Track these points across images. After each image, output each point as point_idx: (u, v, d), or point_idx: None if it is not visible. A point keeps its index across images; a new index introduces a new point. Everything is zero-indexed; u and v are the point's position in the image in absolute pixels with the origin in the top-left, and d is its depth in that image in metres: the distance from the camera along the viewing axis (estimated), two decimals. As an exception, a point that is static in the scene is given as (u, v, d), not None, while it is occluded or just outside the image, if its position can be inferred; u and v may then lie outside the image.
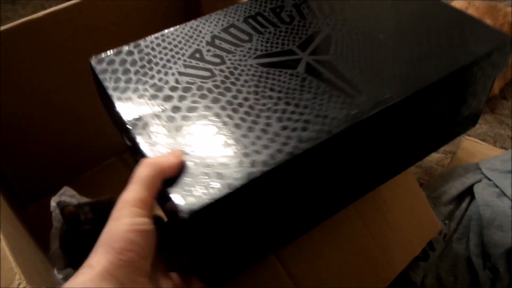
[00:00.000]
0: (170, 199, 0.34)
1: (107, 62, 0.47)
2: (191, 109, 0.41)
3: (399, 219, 0.61)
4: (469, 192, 0.80)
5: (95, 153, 0.87)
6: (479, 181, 0.81)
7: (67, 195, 0.66)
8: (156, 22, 0.81)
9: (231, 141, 0.38)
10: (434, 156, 1.09)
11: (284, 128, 0.39)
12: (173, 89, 0.43)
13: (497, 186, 0.77)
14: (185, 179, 0.35)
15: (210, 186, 0.34)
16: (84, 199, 0.67)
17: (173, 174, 0.35)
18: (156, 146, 0.38)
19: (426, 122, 0.48)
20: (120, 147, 0.87)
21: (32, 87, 0.73)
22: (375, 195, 0.59)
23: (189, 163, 0.36)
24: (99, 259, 0.31)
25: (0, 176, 0.75)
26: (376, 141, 0.44)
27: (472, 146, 0.96)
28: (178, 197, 0.34)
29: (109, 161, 0.89)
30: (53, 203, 0.64)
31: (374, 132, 0.42)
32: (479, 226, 0.74)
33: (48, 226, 0.62)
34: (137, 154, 0.39)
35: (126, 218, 0.33)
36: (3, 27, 0.63)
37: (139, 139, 0.39)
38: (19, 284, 0.35)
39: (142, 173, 0.35)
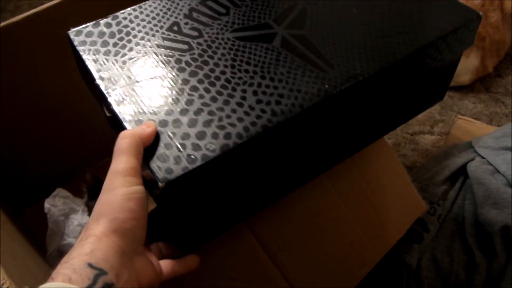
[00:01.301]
0: (149, 169, 0.36)
1: (85, 34, 0.47)
2: (169, 81, 0.42)
3: (382, 201, 0.62)
4: (462, 171, 0.80)
5: (89, 154, 0.87)
6: (472, 159, 0.80)
7: (61, 197, 0.69)
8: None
9: (207, 114, 0.39)
10: (429, 138, 1.09)
11: (259, 101, 0.40)
12: (152, 61, 0.44)
13: (490, 164, 0.77)
14: (163, 151, 0.37)
15: (186, 157, 0.36)
16: (77, 200, 0.70)
17: (149, 143, 0.37)
18: (133, 115, 0.39)
19: (395, 95, 0.51)
20: (113, 146, 0.87)
21: (25, 89, 0.74)
22: (358, 177, 0.60)
23: (167, 135, 0.38)
24: (103, 229, 0.32)
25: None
26: (347, 113, 0.46)
27: (466, 125, 0.95)
28: (156, 168, 0.36)
29: (102, 162, 0.89)
30: (47, 204, 0.66)
31: (345, 104, 0.44)
32: (473, 205, 0.74)
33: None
34: (116, 124, 0.41)
35: (122, 187, 0.34)
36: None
37: (117, 109, 0.40)
38: (2, 284, 0.36)
39: (125, 144, 0.36)
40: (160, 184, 0.35)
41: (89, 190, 0.77)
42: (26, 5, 1.54)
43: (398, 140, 1.09)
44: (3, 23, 0.64)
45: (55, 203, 0.74)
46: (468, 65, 1.15)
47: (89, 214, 0.74)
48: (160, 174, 0.35)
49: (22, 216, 0.82)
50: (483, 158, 0.77)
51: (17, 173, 0.81)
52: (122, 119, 0.39)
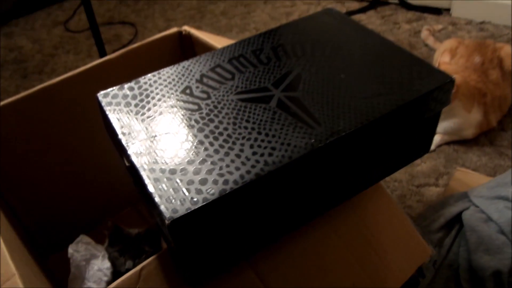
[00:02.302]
0: (157, 207, 0.43)
1: (111, 96, 0.56)
2: (180, 137, 0.50)
3: (384, 244, 0.65)
4: (458, 219, 0.83)
5: (111, 204, 0.97)
6: (467, 208, 0.83)
7: (84, 243, 0.76)
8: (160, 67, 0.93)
9: (210, 164, 0.47)
10: (434, 190, 1.13)
11: (254, 153, 0.48)
12: (166, 119, 0.52)
13: (483, 212, 0.80)
14: (172, 193, 0.44)
15: (190, 199, 0.43)
16: (99, 246, 0.77)
17: None
18: (148, 164, 0.47)
19: (379, 148, 0.57)
20: (134, 198, 0.99)
21: (55, 146, 0.84)
22: (357, 222, 0.64)
23: (175, 181, 0.45)
24: None
25: (22, 227, 0.84)
26: (333, 163, 0.53)
27: (464, 176, 0.98)
28: (164, 209, 0.43)
29: (124, 211, 1.00)
30: (70, 250, 0.73)
31: (330, 156, 0.51)
32: (467, 251, 0.76)
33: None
34: (133, 173, 0.48)
35: None
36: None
37: (135, 160, 0.48)
38: None
39: None
40: (166, 221, 0.42)
41: (109, 237, 0.84)
42: (62, 68, 1.69)
43: (404, 191, 1.13)
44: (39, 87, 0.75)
45: (78, 249, 0.81)
46: (470, 120, 1.20)
47: (109, 259, 0.81)
48: (167, 214, 0.42)
49: (48, 262, 0.89)
50: (477, 207, 0.81)
51: (46, 221, 0.89)
52: (138, 168, 0.47)
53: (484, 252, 0.74)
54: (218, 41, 0.86)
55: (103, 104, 0.55)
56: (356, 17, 1.80)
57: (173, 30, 0.93)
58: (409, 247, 0.67)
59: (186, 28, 0.93)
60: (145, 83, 0.58)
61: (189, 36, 0.93)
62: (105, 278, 0.81)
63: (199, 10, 1.97)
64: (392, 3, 1.84)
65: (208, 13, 1.95)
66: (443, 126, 1.21)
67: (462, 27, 1.67)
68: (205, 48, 0.86)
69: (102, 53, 1.50)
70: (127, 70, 0.87)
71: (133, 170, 0.49)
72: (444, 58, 1.28)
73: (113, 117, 0.53)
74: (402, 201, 1.12)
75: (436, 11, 1.75)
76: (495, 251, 0.73)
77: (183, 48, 0.96)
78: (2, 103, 0.74)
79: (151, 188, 0.45)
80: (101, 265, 0.82)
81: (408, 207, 1.10)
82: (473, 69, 1.23)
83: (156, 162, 0.47)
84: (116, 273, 0.81)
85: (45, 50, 1.81)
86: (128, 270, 0.82)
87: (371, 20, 1.77)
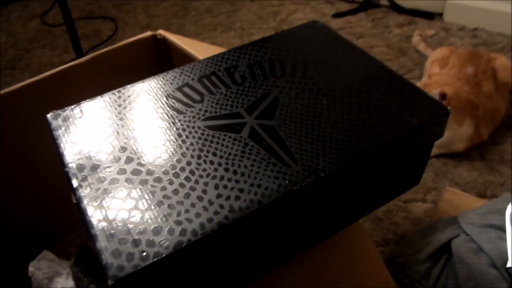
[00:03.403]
0: (102, 265, 0.36)
1: (62, 119, 0.49)
2: (134, 172, 0.43)
3: (352, 282, 0.60)
4: (447, 248, 0.77)
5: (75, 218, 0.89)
6: (457, 235, 0.78)
7: (46, 259, 0.70)
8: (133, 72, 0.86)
9: (166, 207, 0.40)
10: (422, 206, 1.08)
11: (219, 196, 0.41)
12: (122, 149, 0.46)
13: (474, 242, 0.75)
14: (117, 246, 0.37)
15: (138, 254, 0.37)
16: (63, 263, 0.71)
17: None
18: (98, 206, 0.40)
19: (363, 186, 0.51)
20: None
21: (18, 155, 0.77)
22: (329, 261, 0.59)
23: (123, 229, 0.38)
24: None
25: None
26: (310, 206, 0.46)
27: (454, 198, 0.92)
28: (108, 263, 0.36)
29: None
30: (31, 268, 0.67)
31: (307, 199, 0.44)
32: (456, 285, 0.72)
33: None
34: (81, 213, 0.42)
35: None
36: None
37: (82, 199, 0.41)
38: None
39: None
40: (109, 281, 0.35)
41: (76, 255, 0.78)
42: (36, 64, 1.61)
43: (390, 207, 1.08)
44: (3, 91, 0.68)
45: (40, 266, 0.75)
46: (461, 134, 1.15)
47: (73, 278, 0.75)
48: (111, 272, 0.36)
49: (8, 279, 0.82)
50: (468, 235, 0.76)
51: (7, 233, 0.82)
52: (84, 208, 0.40)
53: (474, 287, 0.69)
54: (195, 47, 0.80)
55: (52, 127, 0.49)
56: (346, 19, 1.73)
57: (148, 34, 0.87)
58: (376, 284, 0.63)
59: (161, 32, 0.86)
60: (103, 104, 0.51)
61: (164, 41, 0.86)
62: (69, 298, 0.76)
63: (183, 7, 1.89)
64: (383, 6, 1.78)
65: (192, 10, 1.87)
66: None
67: (454, 33, 1.61)
68: (181, 54, 0.81)
69: (78, 50, 1.42)
70: (98, 75, 0.81)
71: (79, 208, 0.42)
72: (435, 69, 1.22)
73: (61, 144, 0.46)
74: (389, 218, 1.07)
75: (428, 15, 1.69)
76: (485, 286, 0.68)
77: (159, 53, 0.90)
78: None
79: (96, 238, 0.38)
80: (64, 284, 0.77)
81: (395, 224, 1.05)
82: (465, 80, 1.18)
83: (105, 202, 0.41)
84: (79, 295, 0.75)
85: (19, 44, 1.72)
86: (90, 293, 0.76)
87: (361, 23, 1.71)
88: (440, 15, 1.69)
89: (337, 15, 1.74)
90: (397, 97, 0.51)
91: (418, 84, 1.23)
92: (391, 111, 0.49)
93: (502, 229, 0.74)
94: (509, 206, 0.76)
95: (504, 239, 0.72)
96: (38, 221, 0.85)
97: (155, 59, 0.91)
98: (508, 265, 0.69)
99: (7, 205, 0.80)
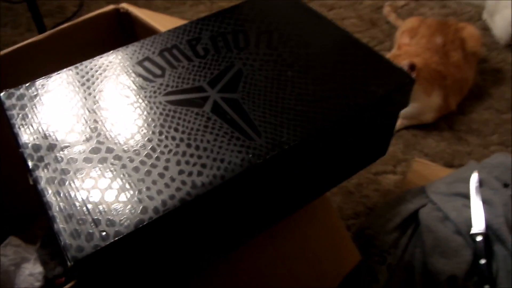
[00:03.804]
0: (61, 246, 0.35)
1: (16, 98, 0.47)
2: (93, 150, 0.42)
3: (318, 254, 0.61)
4: (414, 217, 0.77)
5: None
6: (425, 205, 0.77)
7: (13, 245, 0.68)
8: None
9: (127, 186, 0.39)
10: (392, 178, 1.08)
11: (181, 172, 0.40)
12: (80, 128, 0.44)
13: (441, 210, 0.75)
14: (76, 226, 0.36)
15: (98, 234, 0.36)
16: (30, 248, 0.69)
17: None
18: (55, 187, 0.39)
19: (329, 157, 0.51)
20: None
21: None
22: (296, 232, 0.59)
23: (82, 209, 0.37)
24: None
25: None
26: (275, 179, 0.46)
27: (422, 168, 0.92)
28: (67, 244, 0.35)
29: None
30: None
31: (271, 172, 0.44)
32: (423, 254, 0.72)
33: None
34: (39, 195, 0.40)
35: None
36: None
37: (39, 180, 0.39)
38: None
39: None
40: (68, 263, 0.34)
41: (43, 238, 0.76)
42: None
43: (361, 180, 1.09)
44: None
45: (6, 253, 0.73)
46: (430, 104, 1.16)
47: (40, 262, 0.74)
48: (70, 253, 0.35)
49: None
50: (434, 204, 0.76)
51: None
52: (42, 189, 0.39)
53: (440, 254, 0.70)
54: (160, 21, 0.77)
55: (5, 106, 0.46)
56: (317, -10, 1.71)
57: (109, 7, 0.83)
58: (341, 254, 0.65)
59: (124, 5, 0.83)
60: (61, 77, 0.49)
61: (127, 15, 0.83)
62: (37, 284, 0.75)
63: (151, -20, 1.83)
64: (354, -24, 1.76)
65: (160, -17, 1.81)
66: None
67: (424, 3, 1.61)
68: (146, 28, 0.78)
69: (40, 27, 1.37)
70: (61, 52, 0.78)
71: (36, 189, 0.41)
72: (405, 39, 1.22)
73: (16, 124, 0.44)
74: (359, 190, 1.07)
75: (399, -15, 1.68)
76: (451, 253, 0.69)
77: (123, 28, 0.87)
78: None
79: (54, 220, 0.37)
80: (32, 269, 0.75)
81: (365, 196, 1.06)
82: (434, 50, 1.18)
83: (63, 182, 0.39)
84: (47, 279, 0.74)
85: (-21, 22, 1.64)
86: (56, 276, 0.75)
87: (332, -6, 1.68)
88: (410, -15, 1.68)
89: (308, -13, 1.72)
90: (362, 67, 0.50)
91: (388, 55, 1.23)
92: (356, 82, 0.49)
93: (468, 197, 0.75)
94: (473, 175, 0.77)
95: (470, 207, 0.73)
96: (3, 206, 0.83)
97: (119, 34, 0.88)
98: (472, 231, 0.70)
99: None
